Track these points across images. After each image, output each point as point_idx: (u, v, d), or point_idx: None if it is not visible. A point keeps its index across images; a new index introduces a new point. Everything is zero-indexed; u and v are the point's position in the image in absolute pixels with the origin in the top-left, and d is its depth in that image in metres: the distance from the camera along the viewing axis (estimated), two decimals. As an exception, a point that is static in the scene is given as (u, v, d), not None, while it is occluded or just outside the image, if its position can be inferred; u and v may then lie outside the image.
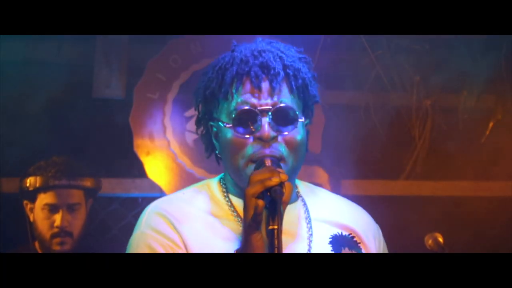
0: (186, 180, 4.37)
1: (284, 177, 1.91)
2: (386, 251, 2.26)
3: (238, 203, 2.12)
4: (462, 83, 4.81)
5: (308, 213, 2.17)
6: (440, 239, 2.94)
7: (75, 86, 4.44)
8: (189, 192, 2.19)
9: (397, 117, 4.81)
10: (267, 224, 1.88)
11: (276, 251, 1.84)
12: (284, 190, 1.90)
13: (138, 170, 4.41)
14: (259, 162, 2.02)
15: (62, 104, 4.39)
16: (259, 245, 1.90)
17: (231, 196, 2.15)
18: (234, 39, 2.23)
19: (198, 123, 2.21)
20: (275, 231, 1.86)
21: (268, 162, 2.00)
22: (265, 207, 1.89)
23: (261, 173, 1.93)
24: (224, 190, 2.16)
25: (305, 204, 2.19)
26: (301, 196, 2.20)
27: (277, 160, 2.03)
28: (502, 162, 4.72)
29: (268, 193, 1.89)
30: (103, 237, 4.43)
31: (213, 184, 2.19)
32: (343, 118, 4.68)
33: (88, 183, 3.68)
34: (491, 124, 4.83)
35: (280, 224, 1.87)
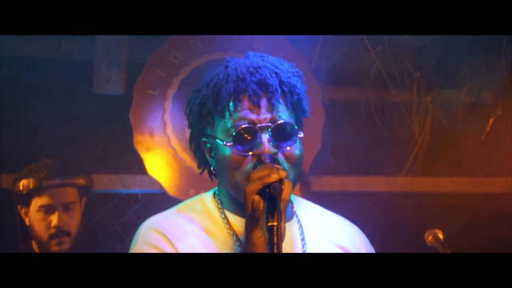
0: (186, 176, 4.36)
1: (283, 173, 1.91)
2: None
3: (234, 220, 2.12)
4: (462, 79, 4.81)
5: (303, 232, 2.17)
6: (440, 236, 2.93)
7: (75, 82, 4.44)
8: (183, 208, 2.18)
9: (397, 113, 4.81)
10: (267, 221, 1.87)
11: (275, 248, 1.83)
12: (283, 187, 1.90)
13: (138, 166, 4.41)
14: (257, 160, 2.01)
15: (62, 100, 4.38)
16: (260, 242, 1.90)
17: (226, 212, 2.14)
18: (234, 38, 2.22)
19: (191, 139, 2.21)
20: (274, 227, 1.86)
21: (266, 160, 1.99)
22: (265, 204, 1.89)
23: (260, 170, 1.93)
24: (219, 205, 2.16)
25: (299, 222, 2.19)
26: (295, 213, 2.20)
27: (276, 158, 2.02)
28: (502, 158, 4.72)
29: (268, 190, 1.89)
30: (103, 233, 4.43)
31: (208, 199, 2.19)
32: (343, 114, 4.68)
33: (81, 180, 3.67)
34: (491, 120, 4.83)
35: (279, 221, 1.87)
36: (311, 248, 2.14)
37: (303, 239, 2.15)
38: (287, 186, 1.92)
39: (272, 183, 1.89)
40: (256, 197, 1.88)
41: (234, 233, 2.10)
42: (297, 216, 2.19)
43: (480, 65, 4.76)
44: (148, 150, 4.39)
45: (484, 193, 4.83)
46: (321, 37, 4.51)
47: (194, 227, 2.10)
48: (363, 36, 4.54)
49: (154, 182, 4.39)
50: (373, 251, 2.27)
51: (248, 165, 2.03)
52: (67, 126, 4.39)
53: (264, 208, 1.89)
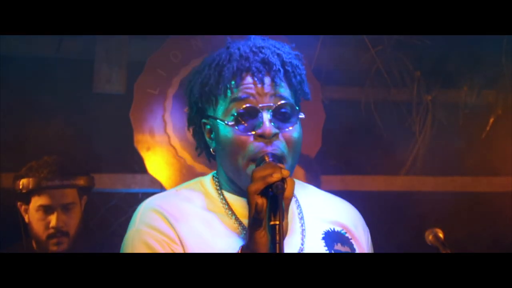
0: (186, 175, 4.37)
1: (285, 172, 1.91)
2: (371, 249, 2.27)
3: (232, 199, 2.12)
4: (462, 79, 4.82)
5: (301, 210, 2.18)
6: (441, 235, 2.93)
7: (76, 81, 4.44)
8: (182, 189, 2.18)
9: (397, 112, 4.81)
10: (269, 220, 1.87)
11: (277, 247, 1.83)
12: (285, 186, 1.90)
13: (138, 166, 4.41)
14: (260, 159, 2.01)
15: (62, 100, 4.38)
16: (263, 241, 1.90)
17: (225, 193, 2.14)
18: (234, 36, 2.22)
19: (190, 121, 2.20)
20: (277, 226, 1.85)
21: (268, 159, 1.99)
22: (267, 203, 1.89)
23: (262, 169, 1.93)
24: (218, 186, 2.15)
25: (297, 201, 2.19)
26: (294, 194, 2.20)
27: (278, 157, 2.02)
28: (502, 157, 4.72)
29: (270, 189, 1.88)
30: (103, 232, 4.43)
31: (206, 181, 2.19)
32: (344, 113, 4.68)
33: (81, 181, 3.65)
34: (491, 120, 4.84)
35: (281, 220, 1.86)
36: (309, 227, 2.14)
37: (301, 218, 2.15)
38: (289, 184, 1.92)
39: (275, 182, 1.88)
40: (259, 200, 1.88)
41: (233, 213, 2.10)
42: (295, 196, 2.19)
43: (480, 64, 4.76)
44: (148, 149, 4.40)
45: (485, 193, 4.83)
46: (321, 36, 4.51)
47: (193, 207, 2.09)
48: (363, 35, 4.55)
49: (154, 181, 4.39)
50: (369, 232, 2.27)
51: (250, 146, 2.02)
52: (68, 126, 4.39)
53: (267, 209, 1.89)
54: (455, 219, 4.48)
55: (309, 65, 4.49)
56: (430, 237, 2.90)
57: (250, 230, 1.92)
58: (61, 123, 4.37)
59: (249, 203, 1.91)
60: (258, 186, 1.89)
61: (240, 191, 2.10)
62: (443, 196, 4.79)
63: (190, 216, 2.06)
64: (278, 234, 1.84)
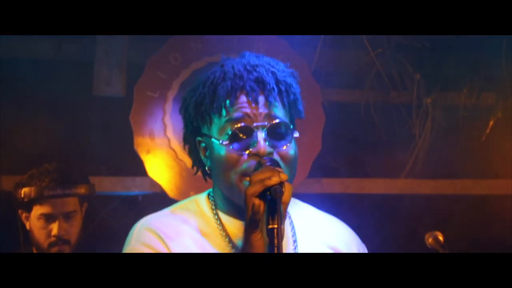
0: (186, 178, 4.36)
1: (284, 176, 1.91)
2: None
3: (227, 221, 2.12)
4: (462, 81, 4.82)
5: (294, 232, 2.17)
6: (441, 238, 2.93)
7: (75, 84, 4.44)
8: (178, 209, 2.17)
9: (397, 115, 4.81)
10: (267, 224, 1.87)
11: (276, 251, 1.83)
12: (283, 190, 1.90)
13: (138, 169, 4.41)
14: (258, 164, 2.01)
15: (62, 102, 4.38)
16: (259, 245, 1.90)
17: (220, 213, 2.14)
18: (234, 41, 2.22)
19: (185, 139, 2.20)
20: (275, 230, 1.85)
21: (266, 163, 2.00)
22: (265, 206, 1.89)
23: (261, 172, 1.93)
24: (213, 206, 2.15)
25: (291, 223, 2.19)
26: (288, 213, 2.19)
27: (276, 161, 2.02)
28: (502, 160, 4.72)
29: (268, 193, 1.88)
30: (103, 235, 4.42)
31: (201, 200, 2.18)
32: (343, 116, 4.68)
33: (82, 190, 3.64)
34: (491, 123, 4.83)
35: (280, 223, 1.86)
36: (302, 249, 2.14)
37: (295, 241, 2.15)
38: (287, 188, 1.92)
39: (273, 185, 1.88)
40: (257, 201, 1.88)
41: (227, 235, 2.10)
42: (289, 217, 2.19)
43: (480, 66, 4.76)
44: (148, 152, 4.39)
45: (485, 195, 4.83)
46: (321, 39, 4.51)
47: (187, 227, 2.09)
48: (363, 38, 4.55)
49: (154, 184, 4.39)
50: (366, 251, 2.27)
51: (244, 164, 2.03)
52: (67, 128, 4.39)
53: (264, 211, 1.89)
54: (455, 222, 4.48)
55: (309, 67, 4.53)
56: (430, 240, 2.90)
57: (246, 232, 1.92)
58: (60, 125, 4.37)
59: (246, 205, 1.91)
60: (256, 188, 1.89)
61: (236, 212, 2.10)
62: (443, 198, 4.79)
63: (184, 237, 2.07)
64: (276, 237, 1.84)
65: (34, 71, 4.40)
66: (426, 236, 2.91)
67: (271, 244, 1.85)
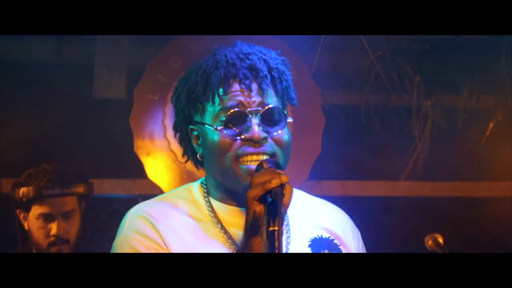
0: (186, 180, 4.36)
1: (284, 178, 1.92)
2: (364, 250, 2.27)
3: (219, 207, 2.13)
4: (462, 84, 4.82)
5: (287, 216, 2.17)
6: (440, 240, 2.94)
7: (76, 87, 4.44)
8: (170, 196, 2.19)
9: (397, 117, 4.81)
10: (268, 226, 1.88)
11: (276, 253, 1.83)
12: (284, 192, 1.90)
13: (138, 171, 4.41)
14: (258, 166, 2.02)
15: (62, 105, 4.39)
16: (259, 248, 1.91)
17: (212, 200, 2.15)
18: (234, 39, 2.23)
19: (176, 127, 2.21)
20: (276, 232, 1.86)
21: (267, 165, 2.00)
22: (265, 209, 1.89)
23: (261, 175, 1.93)
24: (205, 193, 2.16)
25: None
26: None
27: (277, 163, 2.03)
28: (502, 162, 4.72)
29: (269, 195, 1.89)
30: (103, 237, 4.42)
31: (194, 187, 2.20)
32: (343, 118, 4.69)
33: (80, 189, 3.64)
34: (491, 125, 4.83)
35: (280, 225, 1.86)
36: (295, 234, 2.14)
37: (287, 225, 2.15)
38: (288, 190, 1.92)
39: (274, 188, 1.89)
40: (258, 207, 1.88)
41: (218, 221, 2.11)
42: None
43: (480, 69, 4.77)
44: (148, 154, 4.40)
45: (485, 197, 4.83)
46: (322, 41, 4.51)
47: (177, 212, 2.11)
48: (363, 40, 4.55)
49: (154, 186, 4.39)
50: (359, 234, 2.27)
51: (238, 149, 2.05)
52: (68, 131, 4.39)
53: (265, 214, 1.89)
54: (455, 224, 4.48)
55: (309, 70, 4.53)
56: (430, 242, 2.90)
57: (247, 236, 1.93)
58: (61, 128, 4.37)
59: (247, 209, 1.91)
60: (257, 192, 1.89)
61: (228, 198, 2.12)
62: (443, 201, 4.79)
63: (175, 223, 2.08)
64: (277, 240, 1.84)
65: (34, 74, 4.41)
66: (426, 238, 2.92)
67: (271, 246, 1.85)
